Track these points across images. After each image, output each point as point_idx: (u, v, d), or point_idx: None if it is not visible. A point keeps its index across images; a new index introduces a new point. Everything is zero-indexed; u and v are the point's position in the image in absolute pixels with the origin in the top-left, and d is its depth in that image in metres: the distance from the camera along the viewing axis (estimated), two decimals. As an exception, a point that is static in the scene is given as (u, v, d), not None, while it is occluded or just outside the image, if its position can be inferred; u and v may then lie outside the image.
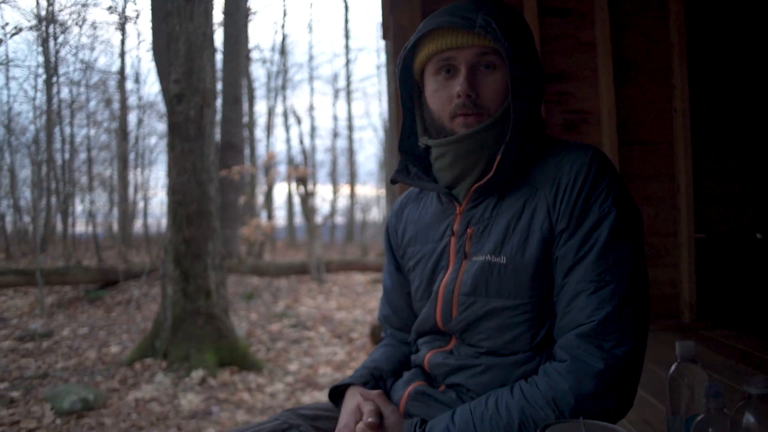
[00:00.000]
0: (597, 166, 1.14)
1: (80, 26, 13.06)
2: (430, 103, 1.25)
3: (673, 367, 1.24)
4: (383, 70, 23.81)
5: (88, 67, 14.86)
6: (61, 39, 13.01)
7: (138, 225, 19.30)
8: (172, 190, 5.92)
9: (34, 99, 13.74)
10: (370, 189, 27.86)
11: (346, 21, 29.23)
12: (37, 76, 12.99)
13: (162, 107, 15.73)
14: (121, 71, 17.12)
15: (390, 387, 1.38)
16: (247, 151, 18.70)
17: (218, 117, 11.62)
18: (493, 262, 1.17)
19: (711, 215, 3.36)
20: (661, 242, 3.39)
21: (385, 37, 4.09)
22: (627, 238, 1.11)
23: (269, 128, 23.69)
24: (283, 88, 24.11)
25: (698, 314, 3.28)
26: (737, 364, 2.49)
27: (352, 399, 1.31)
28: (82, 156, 17.14)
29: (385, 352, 1.48)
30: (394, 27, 3.38)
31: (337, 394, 1.39)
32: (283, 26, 39.64)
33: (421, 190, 1.45)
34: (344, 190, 26.78)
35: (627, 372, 1.05)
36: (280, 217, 24.50)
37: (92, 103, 16.49)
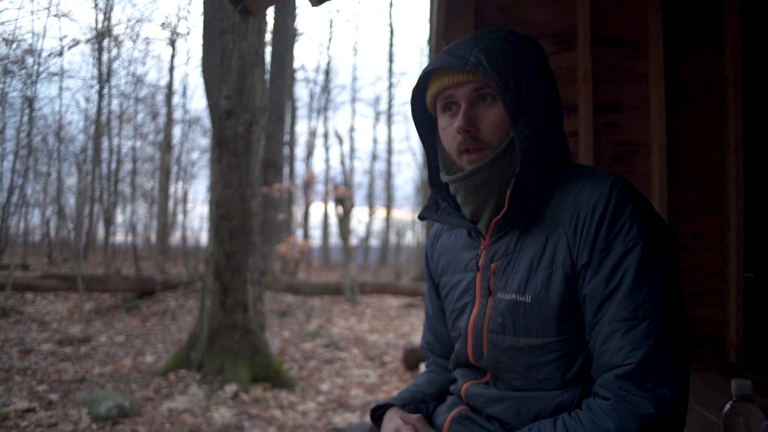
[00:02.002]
0: (617, 195, 1.11)
1: (134, 41, 13.46)
2: (442, 140, 1.27)
3: (728, 406, 1.22)
4: (425, 95, 23.86)
5: (138, 80, 15.28)
6: (114, 52, 13.42)
7: (176, 237, 19.62)
8: (216, 204, 6.02)
9: (84, 109, 14.15)
10: (406, 213, 27.89)
11: (391, 45, 29.56)
12: (89, 87, 13.39)
13: (206, 123, 16.05)
14: (169, 86, 17.56)
15: (432, 411, 1.38)
16: (286, 170, 18.93)
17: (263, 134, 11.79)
18: (519, 301, 1.16)
19: (762, 254, 3.28)
20: (709, 280, 3.31)
21: (434, 61, 4.12)
22: (659, 270, 1.07)
23: (310, 148, 23.98)
24: (325, 108, 24.45)
25: (745, 356, 3.19)
26: (787, 409, 2.41)
27: (392, 421, 1.32)
28: (127, 167, 17.57)
29: (428, 378, 1.48)
30: (445, 52, 3.40)
31: (378, 415, 1.39)
32: (328, 48, 40.20)
33: None
34: (380, 213, 26.86)
35: (672, 411, 1.02)
36: (316, 236, 24.65)
37: (140, 116, 16.93)
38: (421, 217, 1.36)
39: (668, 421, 1.02)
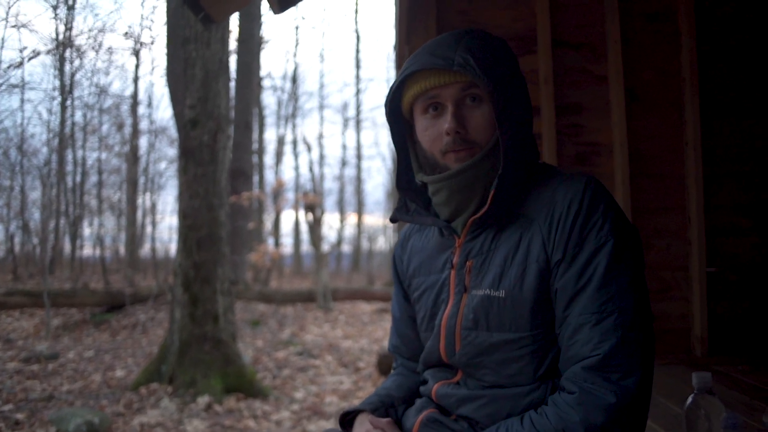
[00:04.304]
0: (591, 194, 1.14)
1: (96, 51, 13.27)
2: (422, 141, 1.26)
3: (690, 399, 1.24)
4: (393, 100, 23.93)
5: (102, 91, 15.07)
6: (76, 63, 13.22)
7: (145, 249, 19.34)
8: (184, 214, 5.96)
9: (47, 122, 13.91)
10: (377, 218, 27.89)
11: (357, 51, 29.65)
12: (51, 99, 13.17)
13: (173, 132, 15.89)
14: (134, 96, 17.34)
15: (401, 414, 1.38)
16: (255, 178, 18.81)
17: (229, 143, 11.70)
18: (493, 296, 1.18)
19: (722, 249, 3.35)
20: (672, 276, 3.37)
21: (400, 67, 4.14)
22: (627, 267, 1.10)
23: (278, 155, 23.87)
24: (293, 116, 24.36)
25: (710, 349, 3.25)
26: (751, 400, 2.46)
27: (362, 426, 1.31)
28: (93, 179, 17.29)
29: (396, 381, 1.48)
30: (409, 56, 3.42)
31: (347, 421, 1.39)
32: (294, 55, 40.00)
33: None
34: (351, 218, 26.83)
35: (636, 403, 1.05)
36: (287, 244, 24.52)
37: (105, 127, 16.70)
38: (392, 220, 1.36)
39: (632, 411, 1.04)
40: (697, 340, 3.27)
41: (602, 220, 1.11)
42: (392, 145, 1.38)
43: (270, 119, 25.62)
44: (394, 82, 1.28)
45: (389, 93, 1.30)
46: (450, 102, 1.20)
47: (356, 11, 36.24)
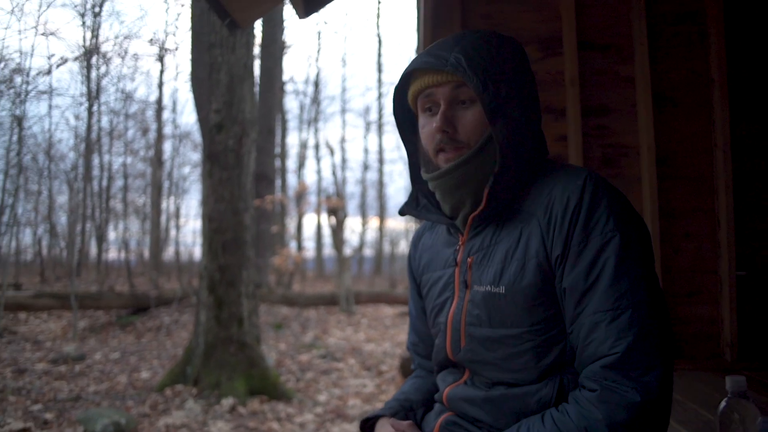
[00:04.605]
0: (591, 189, 1.13)
1: (122, 57, 13.46)
2: (421, 137, 1.29)
3: (723, 402, 1.22)
4: (415, 104, 23.95)
5: (127, 96, 15.27)
6: (103, 69, 13.42)
7: (169, 252, 19.55)
8: (209, 218, 6.01)
9: (74, 127, 14.13)
10: (399, 222, 27.87)
11: (379, 55, 29.61)
12: (78, 104, 13.37)
13: (197, 137, 16.05)
14: (159, 101, 17.56)
15: (421, 418, 1.39)
16: (278, 182, 18.92)
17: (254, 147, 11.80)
18: (494, 292, 1.18)
19: (752, 252, 3.30)
20: (702, 279, 3.32)
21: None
22: (636, 260, 1.09)
23: (301, 159, 23.98)
24: (316, 120, 24.46)
25: (739, 353, 3.20)
26: (783, 406, 2.42)
27: (383, 430, 1.33)
28: (118, 183, 17.52)
29: (414, 384, 1.50)
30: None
31: (368, 426, 1.40)
32: (317, 59, 40.34)
33: None
34: (373, 222, 26.85)
35: (659, 399, 1.03)
36: (310, 248, 24.61)
37: (130, 132, 16.91)
38: (401, 213, 1.38)
39: (655, 408, 1.03)
40: (727, 345, 3.22)
41: (606, 214, 1.10)
42: (401, 139, 1.40)
43: (292, 123, 25.76)
44: (397, 81, 1.32)
45: (393, 92, 1.34)
46: (443, 101, 1.21)
47: (378, 15, 36.41)
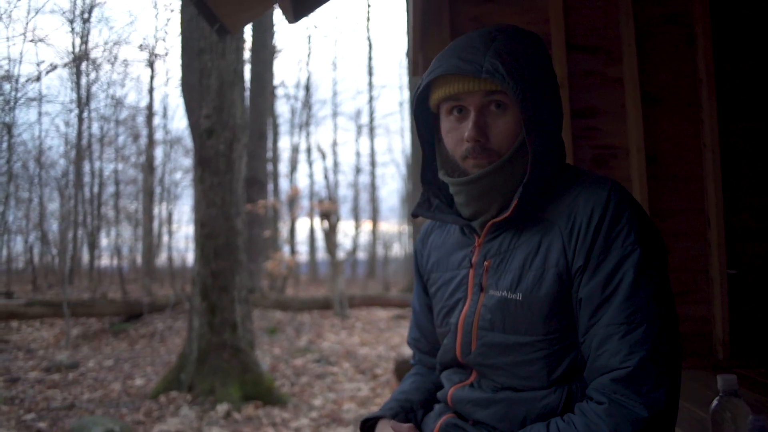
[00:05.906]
0: (615, 202, 1.12)
1: (112, 63, 13.43)
2: (445, 141, 1.25)
3: (715, 402, 1.23)
4: (406, 106, 24.07)
5: (117, 102, 15.24)
6: (92, 76, 13.38)
7: (162, 258, 19.47)
8: (201, 224, 6.00)
9: (65, 134, 14.08)
10: (392, 225, 27.90)
11: (370, 58, 29.61)
12: (68, 111, 13.33)
13: (188, 142, 16.01)
14: (149, 107, 17.51)
15: (421, 419, 1.38)
16: (270, 186, 18.89)
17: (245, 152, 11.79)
18: (510, 298, 1.17)
19: (743, 251, 3.32)
20: (692, 278, 3.34)
21: (414, 73, 4.15)
22: (654, 276, 1.09)
23: (293, 164, 23.97)
24: (307, 124, 24.45)
25: (731, 352, 3.22)
26: (775, 403, 2.44)
27: None
28: (110, 190, 17.47)
29: (414, 382, 1.48)
30: (423, 63, 3.42)
31: (367, 427, 1.39)
32: (307, 63, 40.25)
33: None
34: (366, 225, 26.85)
35: (665, 415, 1.04)
36: (303, 252, 24.57)
37: (121, 138, 16.87)
38: (414, 215, 1.35)
39: (661, 424, 1.04)
40: (719, 343, 3.23)
41: (628, 228, 1.10)
42: (417, 139, 1.37)
43: (284, 128, 25.71)
44: (422, 81, 1.25)
45: (416, 92, 1.27)
46: (474, 107, 1.18)
47: (368, 19, 36.42)
